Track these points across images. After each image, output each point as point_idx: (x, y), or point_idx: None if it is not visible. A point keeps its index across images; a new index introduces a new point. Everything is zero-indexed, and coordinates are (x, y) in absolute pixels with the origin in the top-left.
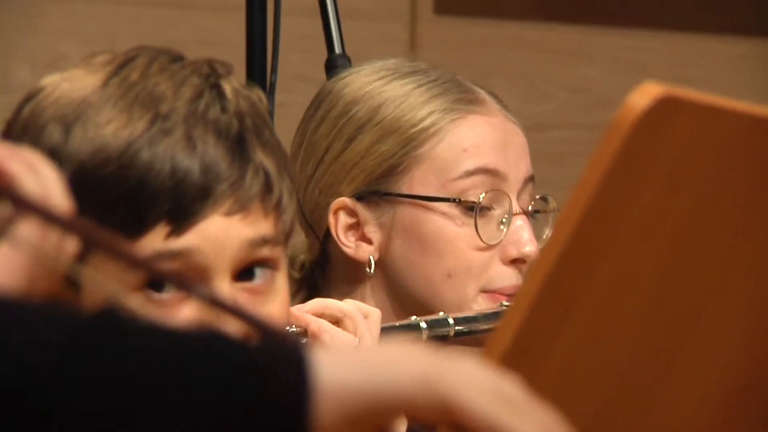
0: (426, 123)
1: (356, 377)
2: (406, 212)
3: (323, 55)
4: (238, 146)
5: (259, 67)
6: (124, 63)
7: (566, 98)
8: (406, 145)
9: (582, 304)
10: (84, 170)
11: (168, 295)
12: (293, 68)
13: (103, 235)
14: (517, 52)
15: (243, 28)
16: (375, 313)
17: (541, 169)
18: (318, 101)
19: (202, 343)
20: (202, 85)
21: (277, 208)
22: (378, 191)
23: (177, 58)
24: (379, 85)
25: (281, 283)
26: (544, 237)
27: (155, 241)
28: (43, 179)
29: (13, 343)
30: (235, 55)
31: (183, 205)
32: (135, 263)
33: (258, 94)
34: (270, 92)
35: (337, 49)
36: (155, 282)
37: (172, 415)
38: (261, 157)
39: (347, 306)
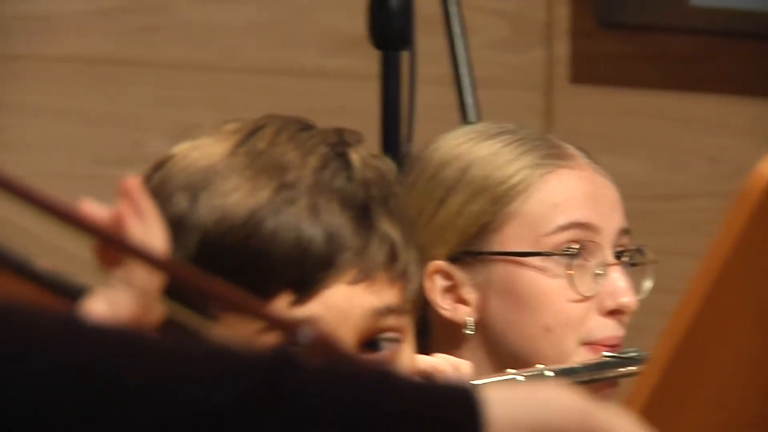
0: (515, 180)
1: (525, 413)
2: (500, 270)
3: (458, 124)
4: (363, 215)
5: (393, 137)
6: (252, 132)
7: (704, 167)
8: (496, 202)
9: (716, 362)
10: (209, 238)
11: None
12: (428, 138)
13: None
14: (653, 121)
15: (378, 97)
16: (466, 366)
17: (679, 238)
18: (409, 168)
19: (377, 385)
20: (329, 154)
21: (403, 277)
22: (472, 251)
23: (305, 126)
24: (467, 146)
25: (407, 354)
26: (643, 288)
27: (279, 309)
28: (149, 226)
29: (187, 402)
30: (370, 124)
31: (307, 274)
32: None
33: (387, 164)
34: (405, 162)
35: (472, 119)
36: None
37: None
38: (386, 227)
39: (437, 360)
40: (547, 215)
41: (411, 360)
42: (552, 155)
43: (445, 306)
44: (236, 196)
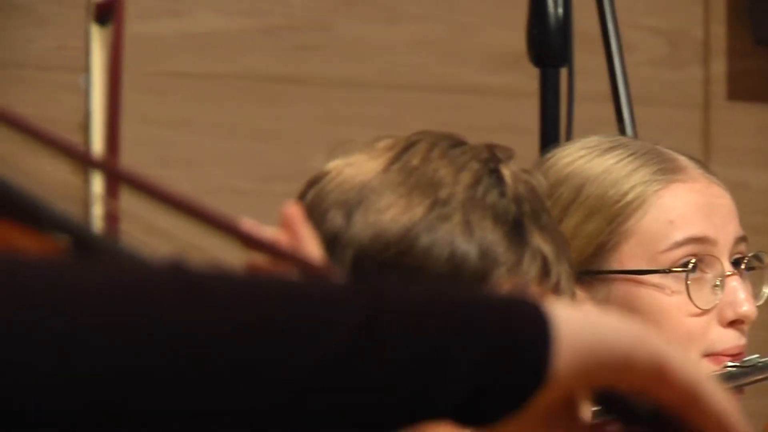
0: (629, 197)
1: (589, 332)
2: (619, 288)
3: None
4: (516, 231)
5: None
6: (405, 148)
7: None
8: (612, 221)
9: None
10: (364, 254)
11: None
12: None
13: None
14: None
15: (537, 114)
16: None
17: None
18: None
19: (458, 296)
20: (481, 171)
21: (555, 291)
22: (590, 271)
23: (458, 143)
24: (580, 164)
25: None
26: (763, 294)
27: None
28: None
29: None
30: (530, 141)
31: None
32: None
33: (538, 179)
34: None
35: (630, 135)
36: None
37: (441, 367)
38: (539, 242)
39: None
40: (663, 232)
41: None
42: (664, 170)
43: None
44: (391, 213)
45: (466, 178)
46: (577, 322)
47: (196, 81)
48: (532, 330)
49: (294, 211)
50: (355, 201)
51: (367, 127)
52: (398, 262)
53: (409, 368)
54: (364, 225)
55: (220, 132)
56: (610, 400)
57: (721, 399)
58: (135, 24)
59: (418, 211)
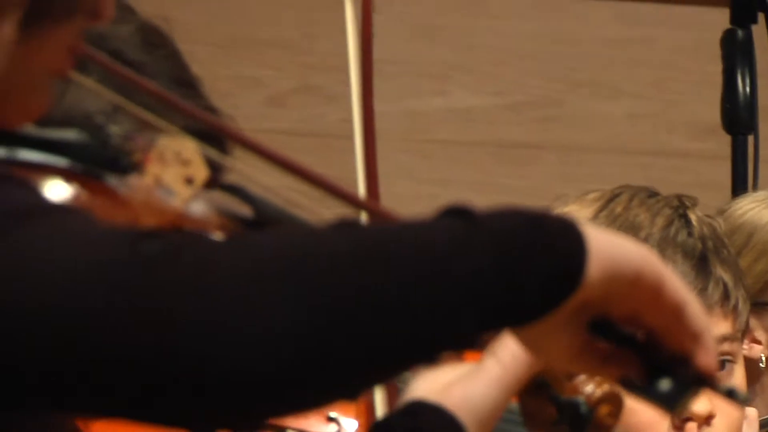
0: None
1: (611, 248)
2: None
3: None
4: (702, 263)
5: None
6: (610, 199)
7: None
8: None
9: None
10: None
11: None
12: None
13: None
14: None
15: (729, 173)
16: (752, 413)
17: None
18: None
19: (523, 218)
20: (673, 215)
21: (734, 312)
22: (760, 302)
23: (652, 194)
24: (752, 214)
25: (739, 373)
26: None
27: None
28: None
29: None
30: (723, 196)
31: None
32: None
33: (718, 222)
34: None
35: None
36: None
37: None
38: (720, 272)
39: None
40: None
41: (741, 378)
42: None
43: (743, 346)
44: None
45: (660, 221)
46: (603, 240)
47: (456, 147)
48: (573, 243)
49: None
50: None
51: (594, 184)
52: None
53: (501, 271)
54: None
55: (476, 189)
56: (604, 327)
57: (702, 318)
58: (409, 101)
59: None
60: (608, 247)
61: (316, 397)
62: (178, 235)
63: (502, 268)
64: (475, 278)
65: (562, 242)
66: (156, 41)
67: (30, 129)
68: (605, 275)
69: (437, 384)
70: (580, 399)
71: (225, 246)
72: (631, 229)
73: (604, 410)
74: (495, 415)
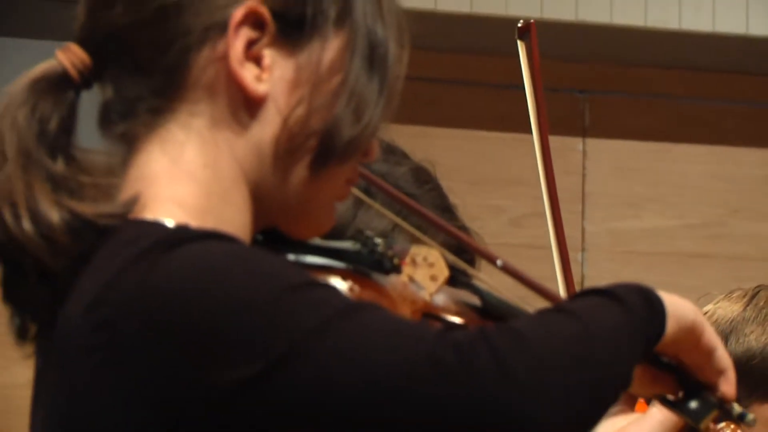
0: None
1: (675, 305)
2: None
3: None
4: None
5: None
6: (753, 295)
7: None
8: None
9: None
10: (739, 365)
11: None
12: None
13: None
14: None
15: None
16: None
17: None
18: None
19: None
20: None
21: None
22: None
23: None
24: None
25: None
26: None
27: None
28: None
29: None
30: None
31: None
32: None
33: None
34: None
35: None
36: None
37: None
38: None
39: None
40: None
41: None
42: None
43: None
44: (754, 335)
45: None
46: (670, 300)
47: (648, 257)
48: (660, 307)
49: None
50: (728, 329)
51: (745, 284)
52: (761, 366)
53: (640, 336)
54: (737, 345)
55: (662, 287)
56: (654, 358)
57: (727, 359)
58: (612, 223)
59: None
60: (675, 308)
61: None
62: (464, 328)
63: (640, 335)
64: (630, 343)
65: (659, 307)
66: (424, 178)
67: (316, 240)
68: (675, 331)
69: (614, 427)
70: None
71: (505, 338)
72: None
73: None
74: None
